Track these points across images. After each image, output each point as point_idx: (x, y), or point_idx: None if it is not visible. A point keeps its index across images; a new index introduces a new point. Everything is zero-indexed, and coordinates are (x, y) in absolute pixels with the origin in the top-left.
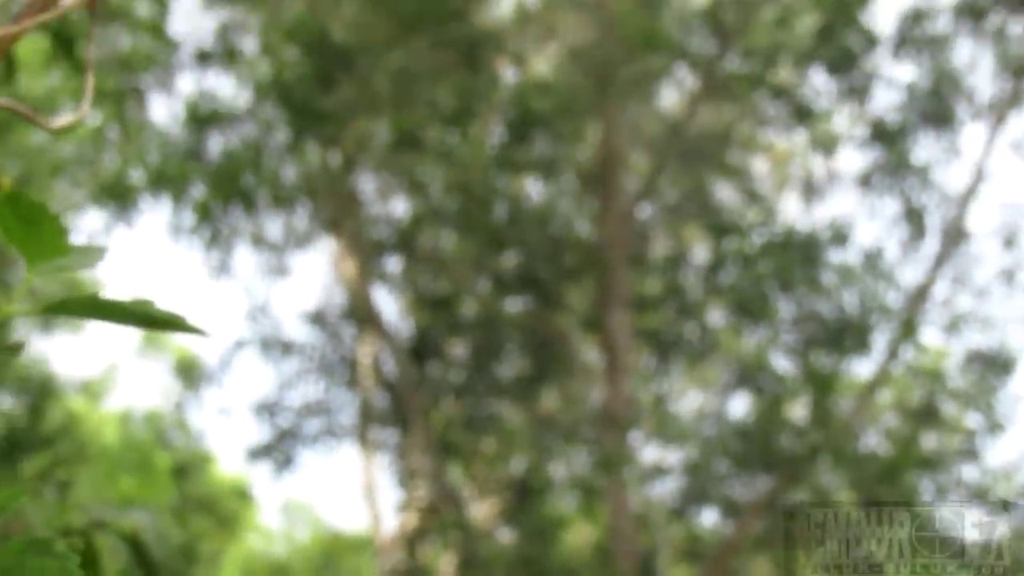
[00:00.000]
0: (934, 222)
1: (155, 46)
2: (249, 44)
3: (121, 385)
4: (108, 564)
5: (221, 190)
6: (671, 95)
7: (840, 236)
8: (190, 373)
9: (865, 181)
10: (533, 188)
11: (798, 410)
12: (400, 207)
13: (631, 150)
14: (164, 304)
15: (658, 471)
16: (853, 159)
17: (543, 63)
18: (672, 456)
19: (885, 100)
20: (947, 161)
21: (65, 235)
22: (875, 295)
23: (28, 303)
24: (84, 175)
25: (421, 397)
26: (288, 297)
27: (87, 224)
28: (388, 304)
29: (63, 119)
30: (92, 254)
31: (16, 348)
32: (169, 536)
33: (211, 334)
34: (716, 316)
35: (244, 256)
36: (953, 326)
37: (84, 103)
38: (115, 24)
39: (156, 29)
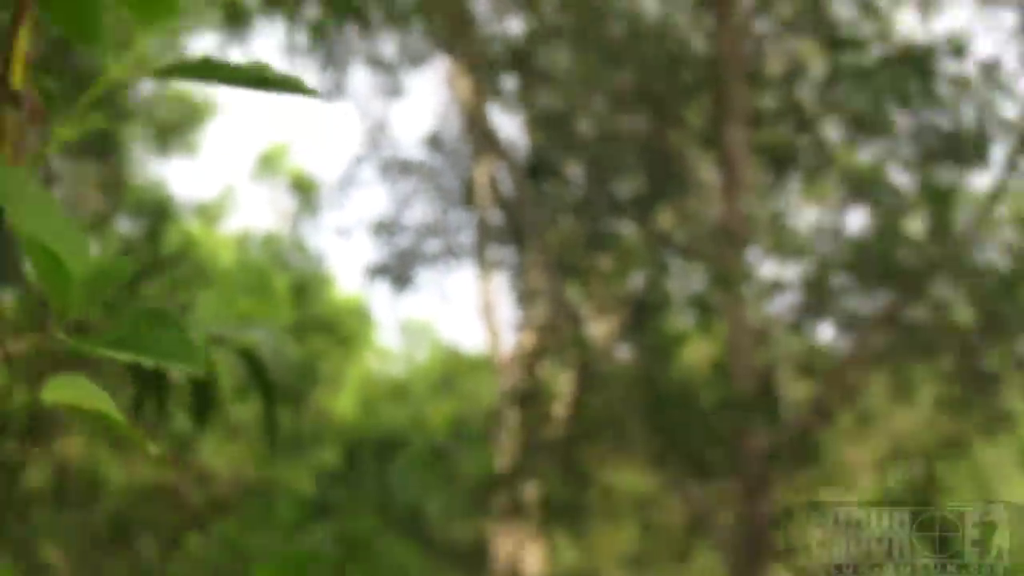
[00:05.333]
0: None
1: None
2: None
3: (238, 208)
4: (225, 381)
5: (335, 9)
6: None
7: (958, 48)
8: (307, 194)
9: None
10: (649, 4)
11: (915, 225)
12: (515, 25)
13: None
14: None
15: (775, 286)
16: None
17: None
18: (789, 271)
19: None
20: None
21: None
22: (993, 107)
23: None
24: None
25: (538, 216)
26: (404, 118)
27: (201, 46)
28: (504, 123)
29: None
30: (200, 16)
31: None
32: (287, 353)
33: (321, 94)
34: (833, 130)
35: (359, 77)
36: None
37: None
38: None
39: None
